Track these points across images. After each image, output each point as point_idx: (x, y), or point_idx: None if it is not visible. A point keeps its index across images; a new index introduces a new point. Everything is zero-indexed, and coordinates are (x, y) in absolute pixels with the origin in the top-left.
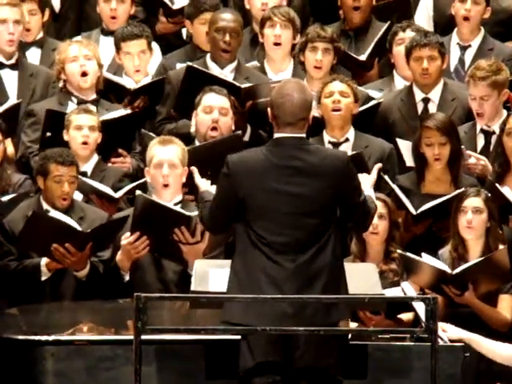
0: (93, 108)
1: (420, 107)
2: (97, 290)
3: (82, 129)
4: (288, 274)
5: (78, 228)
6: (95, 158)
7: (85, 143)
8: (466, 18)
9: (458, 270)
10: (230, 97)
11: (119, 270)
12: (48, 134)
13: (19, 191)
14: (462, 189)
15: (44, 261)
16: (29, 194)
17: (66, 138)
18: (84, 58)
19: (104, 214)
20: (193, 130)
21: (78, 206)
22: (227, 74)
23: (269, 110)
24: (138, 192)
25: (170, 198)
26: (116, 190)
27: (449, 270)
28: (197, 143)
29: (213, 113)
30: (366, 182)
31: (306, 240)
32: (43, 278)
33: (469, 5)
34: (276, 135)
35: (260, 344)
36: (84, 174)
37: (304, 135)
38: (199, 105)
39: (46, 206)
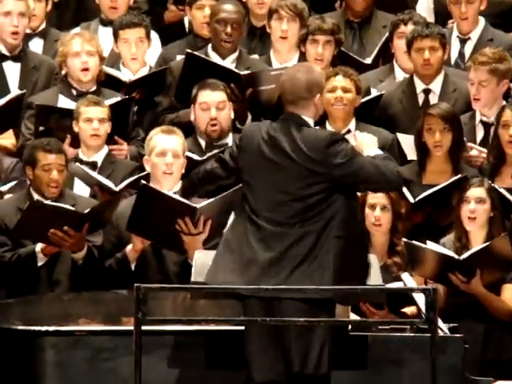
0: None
1: (421, 98)
2: (92, 278)
3: (92, 121)
4: (277, 236)
5: (73, 209)
6: (105, 149)
7: (95, 135)
8: (462, 19)
9: (465, 256)
10: (226, 88)
11: (127, 260)
12: (41, 128)
13: (11, 175)
14: (459, 175)
15: (39, 247)
16: (22, 185)
17: (75, 129)
18: (86, 54)
19: (95, 201)
20: (193, 119)
21: (69, 194)
22: (228, 64)
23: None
24: (142, 182)
25: (170, 186)
26: None
27: (456, 256)
28: (198, 138)
29: (210, 110)
30: (369, 143)
31: (295, 214)
32: (40, 264)
33: (463, 7)
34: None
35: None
36: (94, 163)
37: (307, 117)
38: (195, 101)
39: (36, 196)
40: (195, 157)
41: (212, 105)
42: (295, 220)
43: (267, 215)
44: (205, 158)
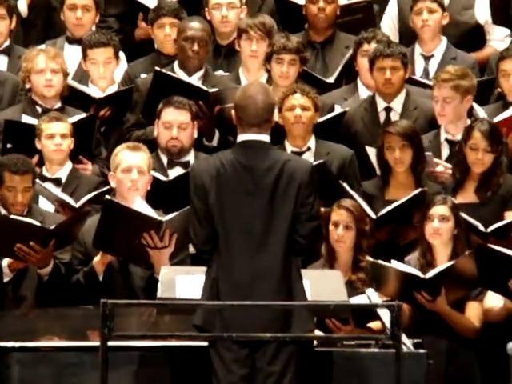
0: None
1: (382, 116)
2: (58, 294)
3: (54, 137)
4: (250, 278)
5: (39, 225)
6: (69, 164)
7: (58, 150)
8: (424, 27)
9: (431, 274)
10: (191, 107)
11: (94, 273)
12: (9, 145)
13: None
14: (419, 189)
15: (5, 262)
16: None
17: (38, 146)
18: (51, 71)
19: (63, 218)
20: (155, 134)
21: (37, 210)
22: (195, 81)
23: (233, 112)
24: (106, 196)
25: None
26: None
27: (421, 275)
28: (160, 154)
29: (172, 129)
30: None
31: (268, 239)
32: (6, 280)
33: (425, 15)
34: (240, 137)
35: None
36: (58, 180)
37: (268, 138)
38: (159, 117)
39: (3, 211)
40: (161, 177)
41: (175, 124)
42: (270, 239)
43: (242, 239)
44: (171, 179)
